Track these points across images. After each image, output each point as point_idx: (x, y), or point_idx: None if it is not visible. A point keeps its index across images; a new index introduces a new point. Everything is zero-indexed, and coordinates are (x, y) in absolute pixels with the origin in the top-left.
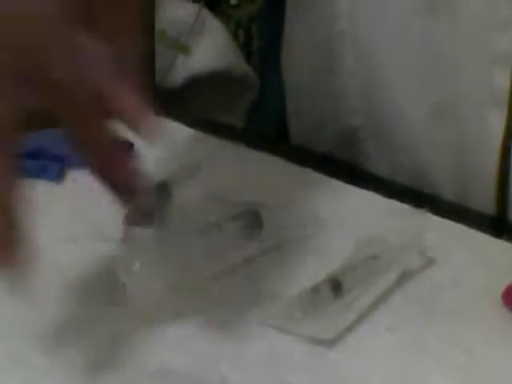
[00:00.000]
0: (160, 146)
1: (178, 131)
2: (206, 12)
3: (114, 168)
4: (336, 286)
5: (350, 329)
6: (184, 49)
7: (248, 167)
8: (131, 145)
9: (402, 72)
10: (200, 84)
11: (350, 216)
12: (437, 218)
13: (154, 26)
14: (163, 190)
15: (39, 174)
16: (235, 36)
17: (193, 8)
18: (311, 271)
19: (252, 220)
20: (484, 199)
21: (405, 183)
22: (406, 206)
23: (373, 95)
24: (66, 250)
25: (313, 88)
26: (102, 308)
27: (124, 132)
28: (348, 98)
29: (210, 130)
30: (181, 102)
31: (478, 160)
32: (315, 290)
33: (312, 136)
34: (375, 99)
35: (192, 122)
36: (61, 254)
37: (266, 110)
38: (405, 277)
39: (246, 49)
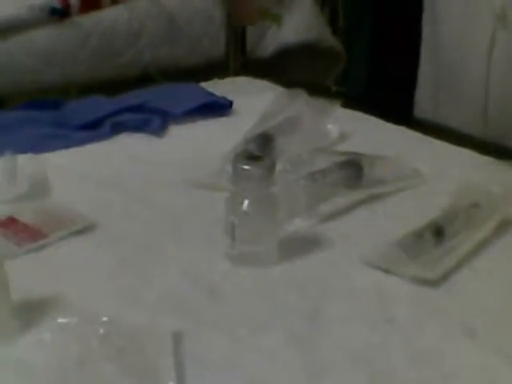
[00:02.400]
0: (260, 102)
1: (273, 90)
2: None
3: None
4: (438, 231)
5: (451, 271)
6: (276, 18)
7: (345, 124)
8: None
9: None
10: (289, 55)
11: (448, 170)
12: None
13: None
14: (267, 138)
15: (142, 127)
16: (321, 12)
17: None
18: (413, 218)
19: (354, 170)
20: None
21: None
22: (500, 161)
23: None
24: (175, 195)
25: None
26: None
27: None
28: None
29: (305, 89)
30: (271, 71)
31: None
32: (419, 234)
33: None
34: None
35: (287, 83)
36: (171, 199)
37: (353, 80)
38: (504, 224)
39: (331, 24)
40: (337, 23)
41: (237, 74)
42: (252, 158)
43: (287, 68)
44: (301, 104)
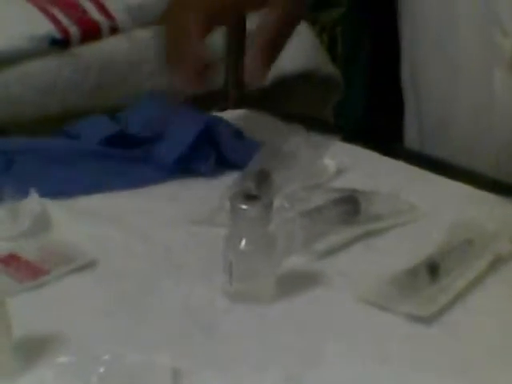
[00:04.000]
0: (258, 137)
1: (272, 123)
2: None
3: None
4: (433, 268)
5: (446, 308)
6: None
7: (342, 159)
8: None
9: None
10: (288, 84)
11: (444, 205)
12: None
13: (245, 27)
14: (264, 176)
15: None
16: (319, 40)
17: None
18: (409, 254)
19: (351, 206)
20: None
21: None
22: (496, 196)
23: None
24: (175, 233)
25: None
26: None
27: None
28: None
29: (303, 123)
30: (270, 100)
31: None
32: (414, 271)
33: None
34: None
35: (286, 116)
36: (170, 237)
37: (350, 109)
38: (497, 261)
39: (329, 52)
40: (335, 50)
41: (236, 103)
42: (249, 197)
43: (285, 97)
44: (298, 139)
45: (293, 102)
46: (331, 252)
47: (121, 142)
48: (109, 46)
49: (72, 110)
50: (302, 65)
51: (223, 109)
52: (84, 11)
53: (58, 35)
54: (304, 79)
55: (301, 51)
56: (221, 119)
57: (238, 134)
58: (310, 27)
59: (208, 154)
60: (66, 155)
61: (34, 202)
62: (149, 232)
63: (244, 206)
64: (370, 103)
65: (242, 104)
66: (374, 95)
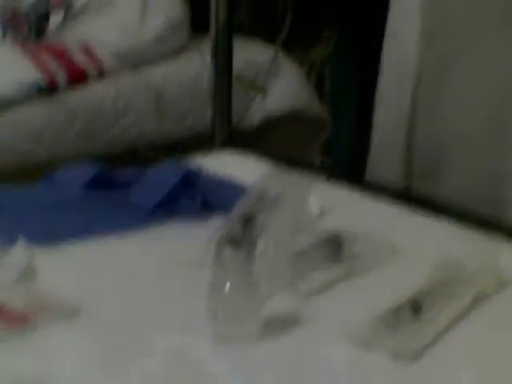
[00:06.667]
0: (242, 180)
1: (257, 166)
2: (281, 54)
3: None
4: (416, 306)
5: (429, 345)
6: (261, 90)
7: (326, 199)
8: None
9: None
10: (275, 124)
11: (427, 244)
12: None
13: (231, 69)
14: (248, 219)
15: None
16: (308, 77)
17: (269, 50)
18: (393, 292)
19: (334, 248)
20: None
21: (476, 212)
22: (480, 234)
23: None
24: (162, 278)
25: None
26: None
27: None
28: None
29: (288, 165)
30: (257, 141)
31: None
32: (397, 309)
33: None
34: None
35: (271, 158)
36: (157, 282)
37: (338, 148)
38: (480, 298)
39: (317, 90)
40: (323, 88)
41: (223, 145)
42: (233, 242)
43: (272, 137)
44: (284, 181)
45: (280, 142)
46: (315, 292)
47: (102, 185)
48: (96, 92)
49: (59, 157)
50: (290, 105)
51: (209, 149)
52: (71, 57)
53: (45, 82)
54: (291, 119)
55: (288, 91)
56: (201, 168)
57: (221, 179)
58: (299, 65)
59: (192, 196)
60: (50, 202)
61: (21, 251)
62: (135, 277)
63: (228, 252)
64: (357, 139)
65: (229, 144)
66: (361, 131)
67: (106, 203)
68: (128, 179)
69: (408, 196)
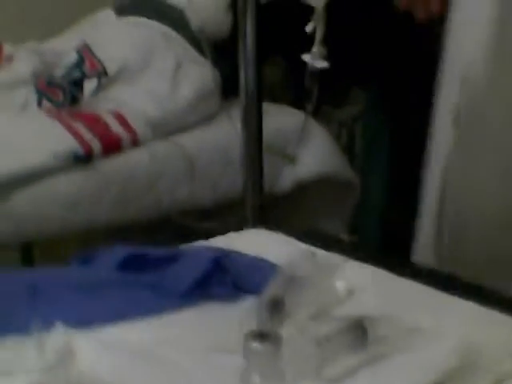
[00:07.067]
0: (273, 258)
1: (287, 245)
2: (310, 119)
3: None
4: None
5: None
6: (291, 159)
7: (353, 279)
8: None
9: None
10: (306, 188)
11: (450, 326)
12: None
13: (261, 137)
14: (277, 304)
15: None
16: (338, 137)
17: (298, 115)
18: (415, 377)
19: (358, 333)
20: None
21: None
22: (502, 314)
23: None
24: (195, 363)
25: None
26: None
27: None
28: None
29: (317, 242)
30: (288, 207)
31: None
32: None
33: None
34: None
35: (300, 235)
36: (191, 367)
37: (368, 213)
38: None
39: (348, 149)
40: (354, 147)
41: (254, 213)
42: (260, 335)
43: (303, 200)
44: (311, 263)
45: (310, 206)
46: (340, 378)
47: (136, 265)
48: (130, 159)
49: (93, 226)
50: (320, 170)
51: (243, 218)
52: (106, 125)
53: (80, 151)
54: (321, 183)
55: (318, 156)
56: (232, 250)
57: (252, 260)
58: (328, 124)
59: (223, 279)
60: (86, 284)
61: (58, 335)
62: (170, 362)
63: (255, 345)
64: (389, 198)
65: (261, 213)
66: (393, 191)
67: (140, 286)
68: (161, 259)
69: (436, 275)
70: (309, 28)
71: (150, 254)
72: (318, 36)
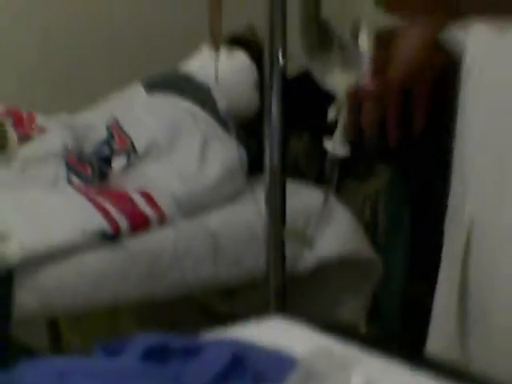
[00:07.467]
0: (289, 350)
1: (306, 336)
2: (331, 199)
3: None
4: None
5: None
6: (308, 243)
7: (370, 373)
8: None
9: None
10: (327, 267)
11: None
12: None
13: (284, 217)
14: None
15: None
16: (362, 210)
17: (319, 194)
18: None
19: None
20: None
21: None
22: None
23: None
24: None
25: None
26: None
27: None
28: None
29: (335, 334)
30: (309, 287)
31: None
32: None
33: None
34: None
35: (320, 325)
36: None
37: (389, 293)
38: None
39: (372, 223)
40: (377, 221)
41: (277, 294)
42: None
43: (324, 280)
44: (328, 360)
45: (331, 285)
46: None
47: (158, 354)
48: (156, 237)
49: (121, 301)
50: (341, 249)
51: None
52: (133, 204)
53: (108, 229)
54: (343, 262)
55: (340, 235)
56: (251, 342)
57: (271, 353)
58: (353, 198)
59: (242, 374)
60: (108, 373)
61: None
62: None
63: None
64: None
65: (283, 292)
66: (414, 268)
67: (161, 378)
68: (183, 349)
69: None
70: (330, 116)
71: (171, 344)
72: (340, 125)
